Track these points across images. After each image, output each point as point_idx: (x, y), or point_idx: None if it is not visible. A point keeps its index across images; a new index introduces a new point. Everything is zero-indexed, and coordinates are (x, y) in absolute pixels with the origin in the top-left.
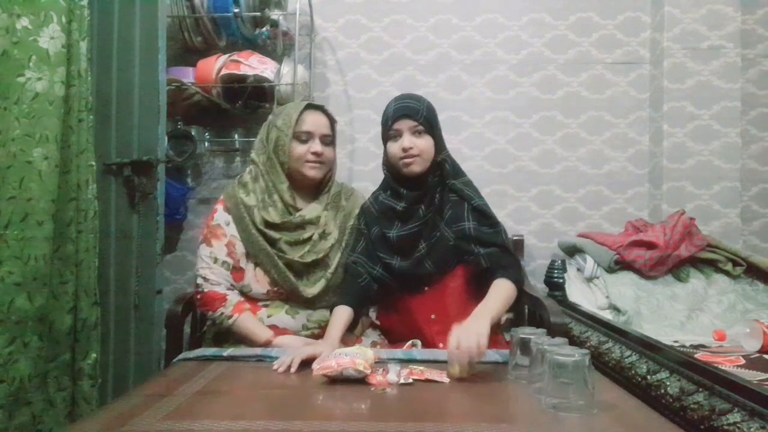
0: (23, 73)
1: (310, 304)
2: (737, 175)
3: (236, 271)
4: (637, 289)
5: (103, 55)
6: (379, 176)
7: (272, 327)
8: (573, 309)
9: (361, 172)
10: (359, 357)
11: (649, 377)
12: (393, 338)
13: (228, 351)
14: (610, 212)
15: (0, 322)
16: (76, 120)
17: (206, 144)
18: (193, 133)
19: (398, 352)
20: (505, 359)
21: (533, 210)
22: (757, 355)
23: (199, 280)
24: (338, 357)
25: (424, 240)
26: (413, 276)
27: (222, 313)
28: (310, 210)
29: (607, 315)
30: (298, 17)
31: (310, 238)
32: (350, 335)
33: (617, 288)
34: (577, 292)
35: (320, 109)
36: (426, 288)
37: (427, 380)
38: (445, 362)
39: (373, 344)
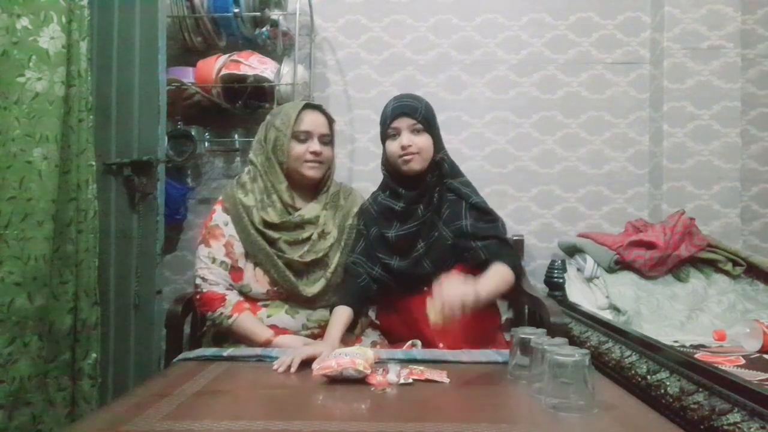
0: (23, 73)
1: (309, 303)
2: (737, 175)
3: (234, 271)
4: (637, 289)
5: (103, 55)
6: (379, 176)
7: (272, 327)
8: (573, 309)
9: (361, 172)
10: (359, 357)
11: (649, 377)
12: (393, 338)
13: (228, 351)
14: (610, 212)
15: (0, 322)
16: (76, 120)
17: (206, 144)
18: (193, 133)
19: (398, 352)
20: (505, 359)
21: (533, 210)
22: (757, 355)
23: (198, 281)
24: (338, 357)
25: (422, 240)
26: (412, 276)
27: (221, 313)
28: (309, 210)
29: (607, 315)
30: (298, 17)
31: (309, 238)
32: (350, 335)
33: (617, 288)
34: (577, 292)
35: (318, 108)
36: (425, 288)
37: (427, 380)
38: (445, 362)
39: (373, 344)
